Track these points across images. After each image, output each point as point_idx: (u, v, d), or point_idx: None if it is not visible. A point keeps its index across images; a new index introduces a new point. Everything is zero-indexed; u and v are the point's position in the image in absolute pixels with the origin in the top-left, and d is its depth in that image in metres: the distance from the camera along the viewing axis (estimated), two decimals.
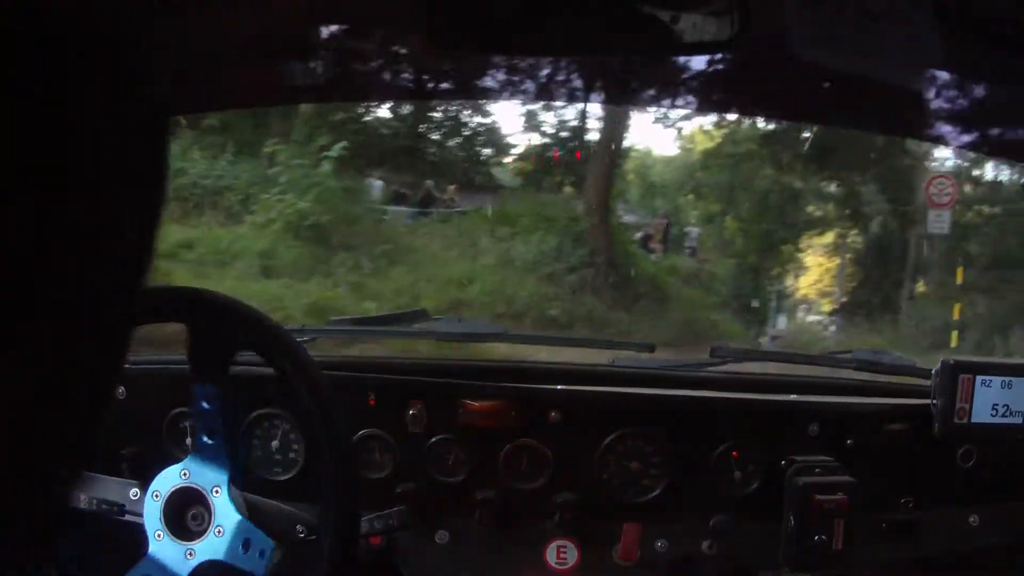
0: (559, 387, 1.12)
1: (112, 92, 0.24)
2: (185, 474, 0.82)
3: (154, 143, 0.26)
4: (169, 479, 0.82)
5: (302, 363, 0.71)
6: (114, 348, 0.27)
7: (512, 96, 1.25)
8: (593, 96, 1.19)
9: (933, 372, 1.10)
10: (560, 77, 1.13)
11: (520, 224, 8.20)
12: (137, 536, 0.82)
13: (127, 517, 0.86)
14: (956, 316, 7.88)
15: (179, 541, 0.80)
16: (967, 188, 9.39)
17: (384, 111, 9.72)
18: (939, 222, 7.68)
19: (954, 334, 7.66)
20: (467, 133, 11.28)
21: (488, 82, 1.17)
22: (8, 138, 0.21)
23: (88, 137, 0.23)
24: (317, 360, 0.86)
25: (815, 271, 12.69)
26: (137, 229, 0.26)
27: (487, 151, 11.60)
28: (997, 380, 1.07)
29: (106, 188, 0.24)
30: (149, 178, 0.26)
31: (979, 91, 0.96)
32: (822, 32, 0.81)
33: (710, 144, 11.83)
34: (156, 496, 0.82)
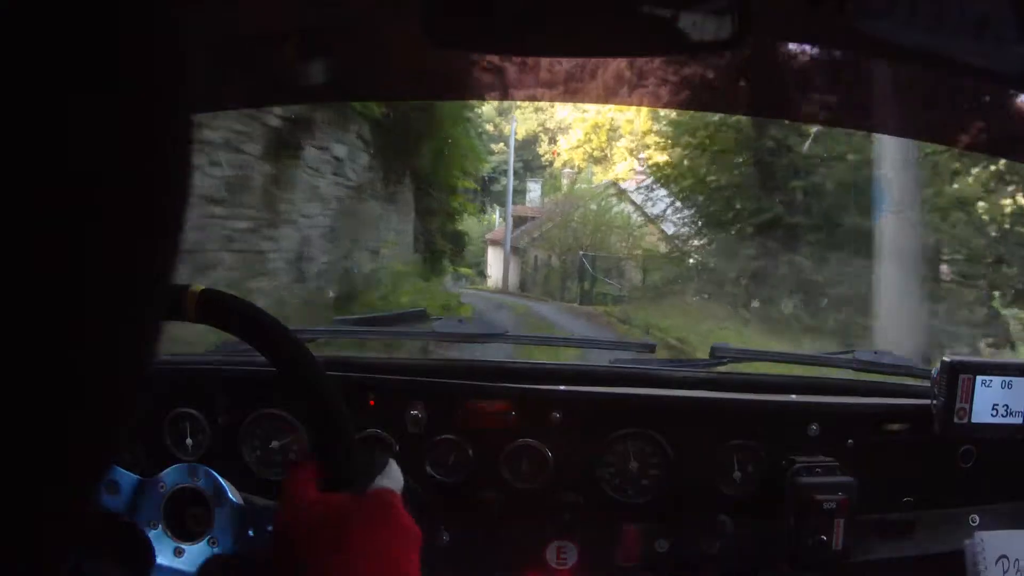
0: (559, 387, 1.12)
1: (137, 87, 0.24)
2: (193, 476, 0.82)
3: (178, 140, 0.26)
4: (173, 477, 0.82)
5: (305, 363, 0.71)
6: (143, 343, 0.27)
7: (510, 95, 1.25)
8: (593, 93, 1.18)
9: (933, 372, 1.10)
10: (558, 75, 1.13)
11: None
12: (136, 539, 0.82)
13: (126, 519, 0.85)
14: None
15: (183, 542, 0.80)
16: None
17: None
18: None
19: None
20: None
21: (487, 81, 1.17)
22: (39, 134, 0.21)
23: (113, 130, 0.23)
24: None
25: None
26: (163, 223, 0.26)
27: None
28: (997, 380, 1.07)
29: (133, 180, 0.24)
30: (174, 173, 0.26)
31: (981, 90, 0.96)
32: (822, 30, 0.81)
33: None
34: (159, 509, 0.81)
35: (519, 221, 18.83)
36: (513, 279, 18.38)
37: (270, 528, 0.77)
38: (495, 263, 19.44)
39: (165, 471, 0.83)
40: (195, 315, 0.70)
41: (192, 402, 1.09)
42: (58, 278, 0.22)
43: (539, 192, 19.04)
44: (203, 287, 0.71)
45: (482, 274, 19.57)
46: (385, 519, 0.60)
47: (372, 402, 1.08)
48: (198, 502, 0.81)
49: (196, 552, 0.79)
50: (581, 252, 15.97)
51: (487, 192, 20.86)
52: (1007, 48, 0.73)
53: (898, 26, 0.72)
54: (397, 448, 1.08)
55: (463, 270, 20.32)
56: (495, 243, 19.35)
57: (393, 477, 0.66)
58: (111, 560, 0.81)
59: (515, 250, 18.41)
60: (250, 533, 0.78)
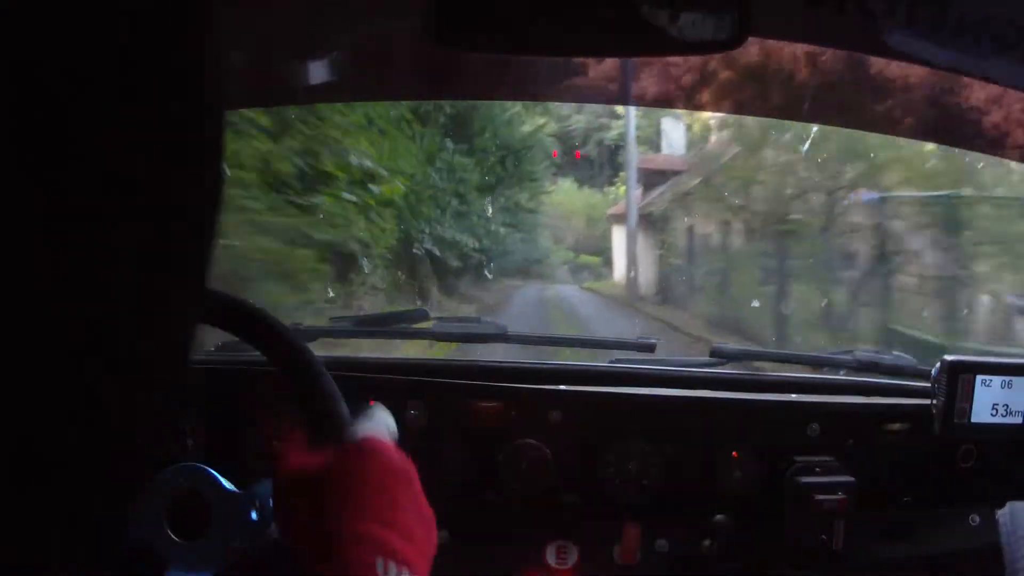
0: (559, 387, 1.12)
1: (168, 84, 0.24)
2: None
3: (209, 136, 0.26)
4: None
5: (284, 338, 0.71)
6: (179, 346, 0.27)
7: (513, 96, 1.25)
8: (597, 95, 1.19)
9: (933, 372, 1.10)
10: (563, 76, 1.13)
11: None
12: (142, 547, 0.81)
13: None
14: None
15: (187, 543, 0.80)
16: None
17: None
18: None
19: None
20: None
21: (489, 81, 1.17)
22: (62, 130, 0.21)
23: (144, 129, 0.23)
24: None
25: None
26: (197, 222, 0.26)
27: None
28: (997, 380, 1.07)
29: (164, 180, 0.24)
30: (206, 169, 0.26)
31: (983, 90, 0.96)
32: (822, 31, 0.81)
33: None
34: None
35: (652, 180, 11.23)
36: (646, 278, 10.10)
37: (271, 503, 0.77)
38: (622, 249, 12.20)
39: (158, 477, 0.83)
40: None
41: (192, 402, 1.09)
42: (79, 280, 0.22)
43: (683, 137, 11.56)
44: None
45: (609, 264, 14.72)
46: (371, 462, 0.60)
47: (372, 402, 1.08)
48: (198, 502, 0.81)
49: (204, 550, 0.79)
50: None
51: (612, 163, 16.72)
52: (1007, 50, 0.73)
53: (898, 26, 0.72)
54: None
55: (585, 258, 16.19)
56: (620, 219, 12.23)
57: (377, 420, 0.66)
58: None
59: (648, 222, 10.44)
60: (253, 516, 0.78)
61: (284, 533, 0.61)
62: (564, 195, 17.13)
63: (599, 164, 17.84)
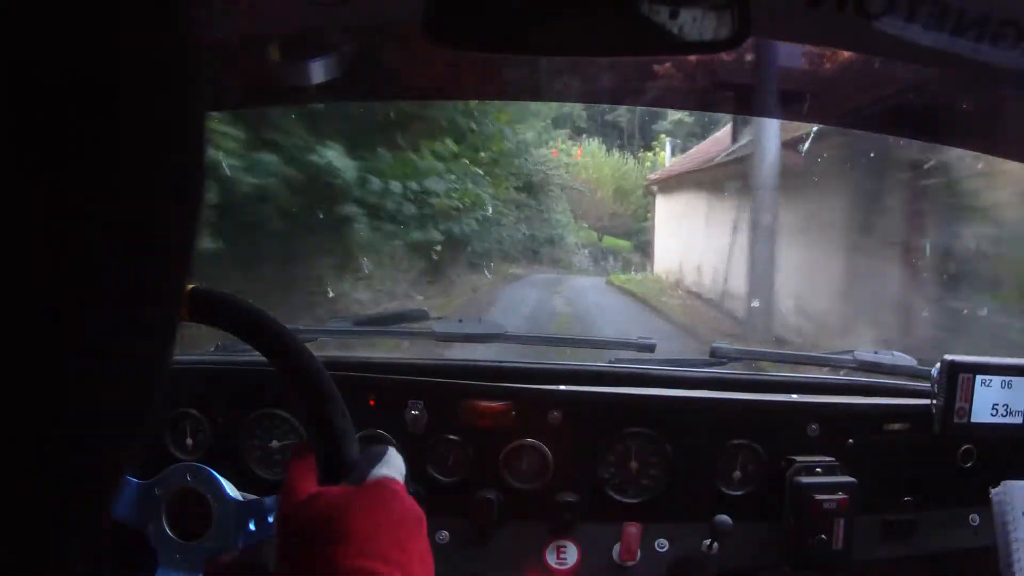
0: (559, 387, 1.12)
1: (151, 88, 0.24)
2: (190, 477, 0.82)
3: (191, 138, 0.26)
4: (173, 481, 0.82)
5: (299, 353, 0.70)
6: (160, 343, 0.27)
7: (512, 96, 1.25)
8: (596, 95, 1.19)
9: (933, 372, 1.10)
10: (561, 76, 1.13)
11: None
12: (138, 542, 0.82)
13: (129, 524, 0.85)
14: None
15: (185, 542, 0.80)
16: None
17: None
18: None
19: None
20: None
21: (488, 81, 1.17)
22: (47, 130, 0.21)
23: (127, 127, 0.23)
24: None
25: None
26: (178, 222, 0.26)
27: None
28: (997, 380, 1.07)
29: (146, 181, 0.24)
30: (188, 174, 0.26)
31: (983, 90, 0.96)
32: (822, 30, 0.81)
33: None
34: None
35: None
36: (797, 301, 5.53)
37: (271, 519, 0.77)
38: (669, 233, 8.97)
39: (165, 471, 0.83)
40: (187, 314, 0.70)
41: (192, 402, 1.09)
42: (62, 283, 0.22)
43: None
44: (192, 285, 0.71)
45: (644, 250, 11.82)
46: (385, 506, 0.60)
47: (372, 402, 1.08)
48: (199, 502, 0.81)
49: (198, 552, 0.79)
50: None
51: (645, 131, 13.95)
52: (1009, 47, 0.73)
53: (898, 25, 0.72)
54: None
55: (612, 241, 12.49)
56: (669, 187, 9.23)
57: (392, 464, 0.66)
58: (114, 564, 0.81)
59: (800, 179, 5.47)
60: (251, 527, 0.78)
61: (283, 561, 0.60)
62: (589, 157, 13.56)
63: (629, 133, 14.86)
